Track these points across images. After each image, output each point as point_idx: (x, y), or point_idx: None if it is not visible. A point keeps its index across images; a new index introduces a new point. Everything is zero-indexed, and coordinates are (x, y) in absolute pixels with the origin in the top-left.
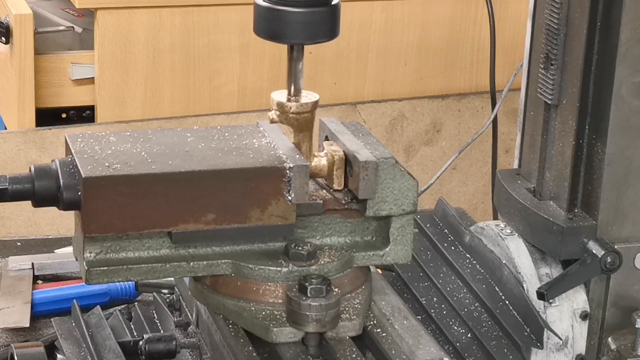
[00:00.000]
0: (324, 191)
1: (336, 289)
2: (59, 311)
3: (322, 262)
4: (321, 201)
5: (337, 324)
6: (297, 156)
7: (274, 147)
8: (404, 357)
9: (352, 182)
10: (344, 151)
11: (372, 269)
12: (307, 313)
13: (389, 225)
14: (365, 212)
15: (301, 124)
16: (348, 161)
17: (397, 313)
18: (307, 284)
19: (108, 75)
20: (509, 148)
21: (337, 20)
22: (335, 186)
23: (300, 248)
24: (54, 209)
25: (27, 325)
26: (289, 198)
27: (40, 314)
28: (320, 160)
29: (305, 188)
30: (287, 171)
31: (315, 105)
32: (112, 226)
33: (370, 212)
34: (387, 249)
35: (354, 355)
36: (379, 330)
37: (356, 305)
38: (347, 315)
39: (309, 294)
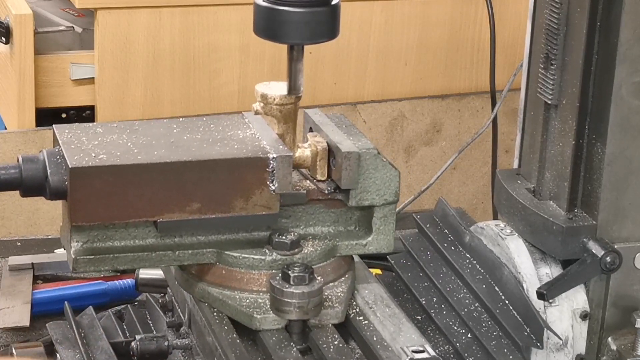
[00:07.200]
0: (308, 181)
1: (319, 277)
2: (58, 311)
3: (306, 251)
4: (305, 191)
5: (320, 312)
6: (281, 147)
7: (258, 138)
8: (385, 344)
9: (335, 173)
10: (327, 142)
11: (356, 258)
12: (290, 300)
13: (372, 215)
14: (348, 202)
15: (285, 115)
16: (331, 152)
17: (379, 301)
18: (290, 272)
19: (108, 75)
20: (509, 148)
21: (337, 20)
22: (319, 176)
23: (283, 237)
24: (54, 209)
25: (27, 325)
26: (273, 188)
27: (40, 314)
28: (304, 151)
29: (289, 178)
30: (271, 161)
31: (298, 96)
32: (99, 215)
33: (352, 202)
34: (370, 238)
35: (336, 342)
36: (361, 318)
37: (339, 294)
38: (330, 303)
39: (292, 282)
